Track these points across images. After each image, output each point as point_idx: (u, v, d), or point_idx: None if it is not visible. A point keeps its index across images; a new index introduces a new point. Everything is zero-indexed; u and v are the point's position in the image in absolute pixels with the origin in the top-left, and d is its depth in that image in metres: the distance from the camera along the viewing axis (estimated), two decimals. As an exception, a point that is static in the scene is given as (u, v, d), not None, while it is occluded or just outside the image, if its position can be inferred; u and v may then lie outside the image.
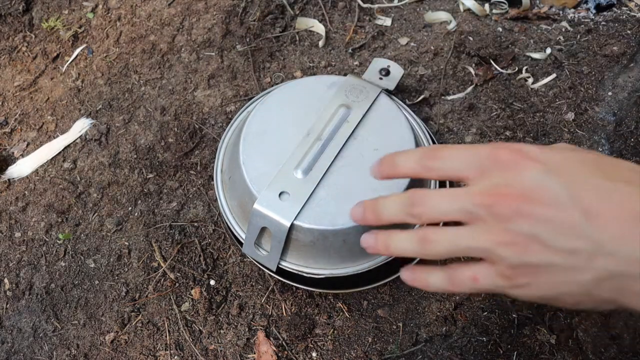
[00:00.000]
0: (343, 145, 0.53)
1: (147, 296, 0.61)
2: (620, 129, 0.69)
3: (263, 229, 0.51)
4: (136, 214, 0.66)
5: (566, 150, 0.32)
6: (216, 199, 0.58)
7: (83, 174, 0.70)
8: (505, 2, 0.81)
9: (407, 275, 0.36)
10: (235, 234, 0.55)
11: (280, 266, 0.53)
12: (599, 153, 0.33)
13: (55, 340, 0.59)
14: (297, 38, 0.79)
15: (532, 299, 0.32)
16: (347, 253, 0.51)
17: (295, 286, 0.58)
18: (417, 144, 0.56)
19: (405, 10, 0.81)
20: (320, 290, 0.58)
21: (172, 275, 0.62)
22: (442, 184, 0.56)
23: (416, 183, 0.53)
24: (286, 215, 0.49)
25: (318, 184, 0.50)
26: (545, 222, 0.29)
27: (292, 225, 0.49)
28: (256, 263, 0.57)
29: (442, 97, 0.72)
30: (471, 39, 0.76)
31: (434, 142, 0.61)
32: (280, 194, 0.50)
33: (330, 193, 0.50)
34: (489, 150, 0.32)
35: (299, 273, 0.53)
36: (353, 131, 0.54)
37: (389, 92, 0.60)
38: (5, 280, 0.63)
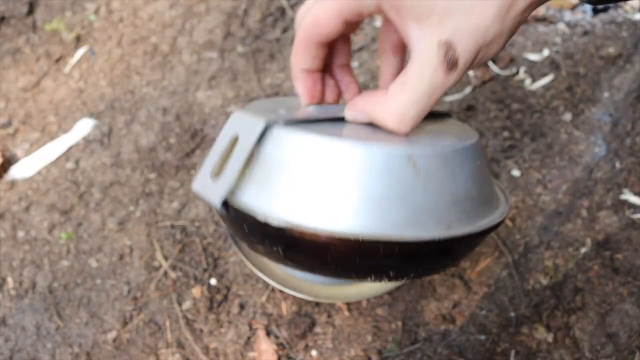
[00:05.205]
0: None
1: (148, 295, 0.61)
2: (616, 130, 0.70)
3: (232, 147, 0.34)
4: (138, 214, 0.67)
5: None
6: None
7: (85, 174, 0.71)
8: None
9: None
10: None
11: (228, 201, 0.34)
12: None
13: (58, 339, 0.59)
14: (297, 40, 0.80)
15: None
16: (334, 196, 0.32)
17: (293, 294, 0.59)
18: None
19: (404, 12, 0.82)
20: (322, 301, 0.58)
21: (173, 275, 0.62)
22: None
23: None
24: (267, 117, 0.33)
25: (330, 119, 0.36)
26: None
27: (268, 129, 0.33)
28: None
29: (441, 98, 0.73)
30: (469, 40, 0.77)
31: None
32: (277, 109, 0.37)
33: (339, 126, 0.36)
34: None
35: (251, 214, 0.33)
36: None
37: None
38: (9, 279, 0.63)
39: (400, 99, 0.32)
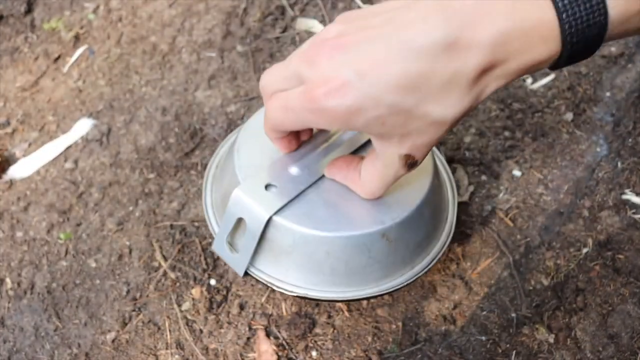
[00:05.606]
0: (352, 153, 0.47)
1: (147, 295, 0.61)
2: (618, 129, 0.70)
3: (239, 222, 0.45)
4: (137, 214, 0.67)
5: None
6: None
7: (84, 174, 0.70)
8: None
9: None
10: (212, 230, 0.51)
11: (249, 272, 0.47)
12: None
13: (56, 340, 0.59)
14: (298, 39, 0.80)
15: None
16: (329, 271, 0.45)
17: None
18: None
19: (404, 11, 0.81)
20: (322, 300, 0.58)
21: (172, 275, 0.62)
22: None
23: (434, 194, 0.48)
24: (267, 207, 0.43)
25: (312, 185, 0.45)
26: None
27: (270, 220, 0.43)
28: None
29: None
30: (470, 39, 0.77)
31: (438, 149, 0.60)
32: (267, 185, 0.45)
33: (322, 197, 0.45)
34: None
35: (268, 284, 0.47)
36: (367, 142, 0.48)
37: None
38: (7, 280, 0.63)
39: (370, 184, 0.42)
